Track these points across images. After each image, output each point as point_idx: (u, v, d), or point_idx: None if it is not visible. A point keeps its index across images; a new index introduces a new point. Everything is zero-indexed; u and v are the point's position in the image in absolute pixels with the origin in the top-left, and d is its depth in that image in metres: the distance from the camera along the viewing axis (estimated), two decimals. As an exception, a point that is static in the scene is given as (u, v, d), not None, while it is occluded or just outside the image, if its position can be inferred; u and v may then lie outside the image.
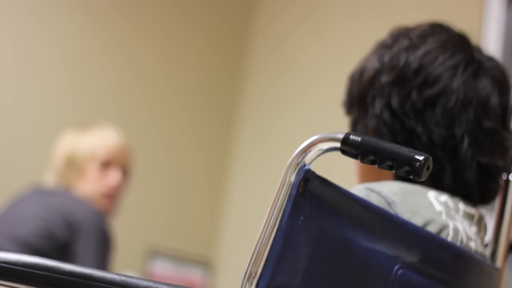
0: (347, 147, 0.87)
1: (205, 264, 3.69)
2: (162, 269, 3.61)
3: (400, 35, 1.22)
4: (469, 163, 1.15)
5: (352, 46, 3.06)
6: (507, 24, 2.59)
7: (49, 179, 2.54)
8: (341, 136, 0.88)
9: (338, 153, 0.89)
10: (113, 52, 3.60)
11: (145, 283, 0.86)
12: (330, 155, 0.91)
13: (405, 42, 1.20)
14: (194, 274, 3.65)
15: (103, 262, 2.34)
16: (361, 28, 3.18)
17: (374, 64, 1.20)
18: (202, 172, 3.79)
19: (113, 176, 2.50)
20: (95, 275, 0.88)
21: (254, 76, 3.82)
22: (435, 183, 1.16)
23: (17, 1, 3.42)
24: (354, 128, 1.22)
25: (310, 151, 0.88)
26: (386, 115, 1.16)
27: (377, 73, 1.19)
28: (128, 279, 0.87)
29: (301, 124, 3.38)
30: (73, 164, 2.50)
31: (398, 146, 0.86)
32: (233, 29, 3.91)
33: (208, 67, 3.84)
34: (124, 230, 3.32)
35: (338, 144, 0.88)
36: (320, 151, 0.89)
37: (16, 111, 3.34)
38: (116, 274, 0.88)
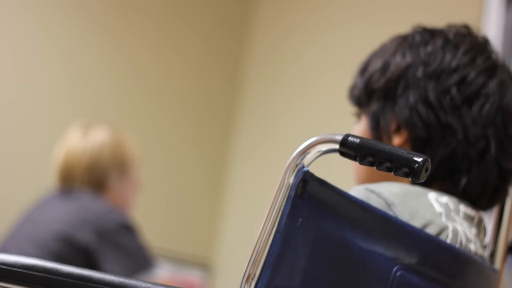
0: (346, 149, 0.87)
1: (204, 265, 3.69)
2: (161, 270, 3.60)
3: (435, 33, 1.23)
4: (492, 166, 1.17)
5: (351, 48, 3.06)
6: (506, 25, 2.59)
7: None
8: (339, 137, 0.88)
9: (337, 154, 0.89)
10: (110, 53, 3.59)
11: (143, 285, 0.86)
12: (328, 156, 0.91)
13: (440, 40, 1.21)
14: (192, 276, 3.65)
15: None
16: (359, 30, 3.18)
17: (405, 58, 1.21)
18: (200, 173, 3.79)
19: None
20: (93, 277, 0.88)
21: (253, 77, 3.81)
22: (451, 182, 1.16)
23: (16, 2, 3.42)
24: (377, 118, 1.22)
25: (308, 153, 0.88)
26: (421, 107, 1.17)
27: (409, 66, 1.20)
28: (126, 281, 0.87)
29: (300, 126, 3.38)
30: None
31: (396, 147, 0.86)
32: (232, 31, 3.91)
33: (207, 69, 3.84)
34: (123, 231, 3.31)
35: (336, 146, 0.88)
36: (319, 153, 0.89)
37: (14, 112, 3.34)
38: (115, 275, 0.88)
